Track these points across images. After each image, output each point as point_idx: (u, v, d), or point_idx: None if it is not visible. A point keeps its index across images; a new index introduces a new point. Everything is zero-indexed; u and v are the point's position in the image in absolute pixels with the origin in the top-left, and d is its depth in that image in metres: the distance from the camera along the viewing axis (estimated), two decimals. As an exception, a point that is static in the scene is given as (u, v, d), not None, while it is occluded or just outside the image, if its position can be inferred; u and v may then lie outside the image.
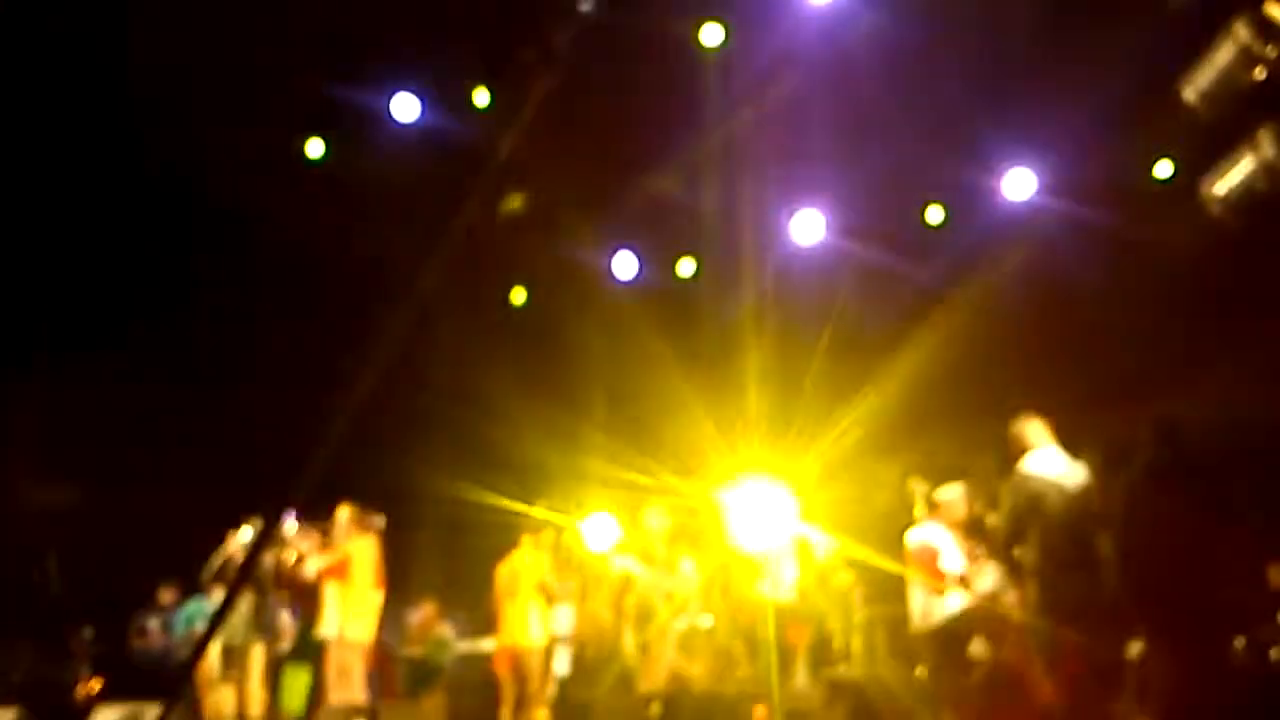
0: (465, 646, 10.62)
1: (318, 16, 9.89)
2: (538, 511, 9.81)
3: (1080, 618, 6.67)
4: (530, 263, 12.02)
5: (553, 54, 2.94)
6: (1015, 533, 7.16)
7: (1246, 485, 6.88)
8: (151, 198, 11.05)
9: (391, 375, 2.81)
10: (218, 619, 7.37)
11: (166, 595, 11.16)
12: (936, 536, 8.32)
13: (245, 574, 6.16)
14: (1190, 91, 7.94)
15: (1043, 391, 9.31)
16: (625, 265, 12.16)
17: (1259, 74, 7.63)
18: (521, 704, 8.90)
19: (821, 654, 9.38)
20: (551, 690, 9.37)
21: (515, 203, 10.67)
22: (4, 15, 9.04)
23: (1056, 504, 6.96)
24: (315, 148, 11.30)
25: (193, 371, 11.19)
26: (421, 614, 10.96)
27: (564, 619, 9.83)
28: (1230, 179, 8.08)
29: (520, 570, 9.38)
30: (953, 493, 8.47)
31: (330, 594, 8.92)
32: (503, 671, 9.19)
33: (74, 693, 9.67)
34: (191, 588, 10.74)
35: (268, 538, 6.05)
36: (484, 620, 9.97)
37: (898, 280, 11.41)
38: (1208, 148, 8.24)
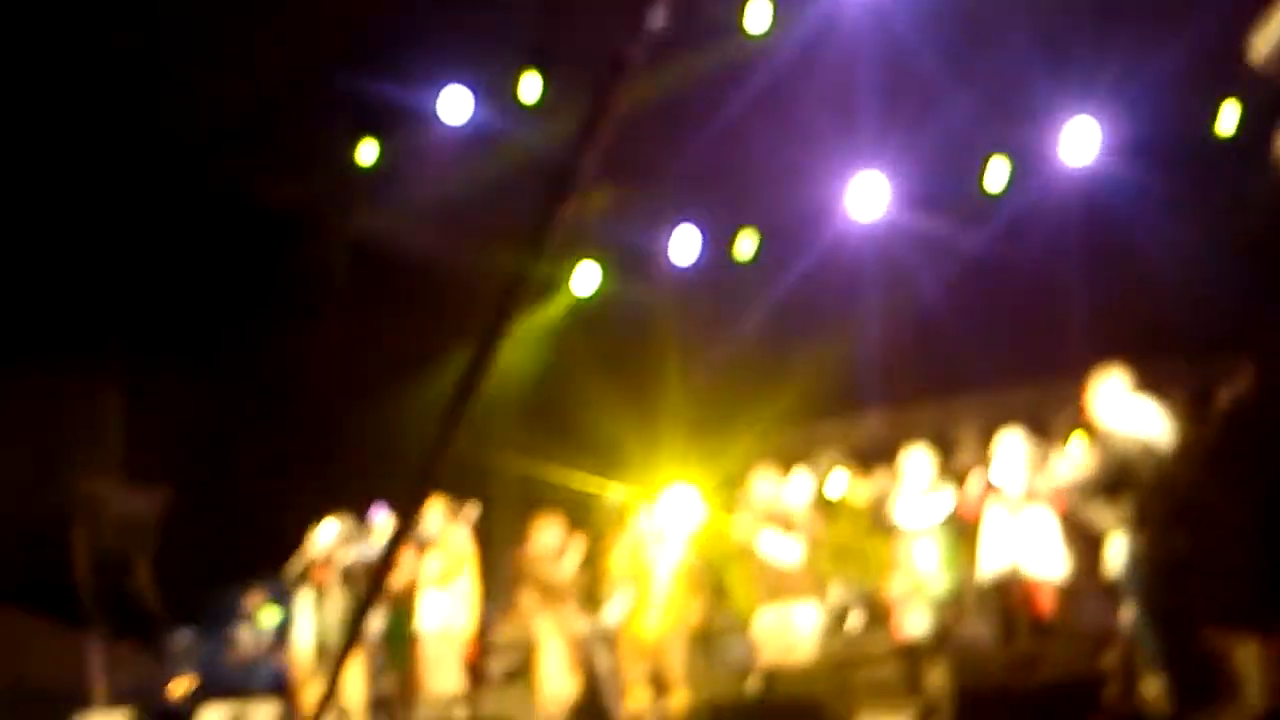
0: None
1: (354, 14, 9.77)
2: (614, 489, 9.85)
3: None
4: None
5: (626, 68, 2.98)
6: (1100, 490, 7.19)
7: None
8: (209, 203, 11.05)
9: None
10: (356, 626, 7.46)
11: (254, 601, 11.04)
12: None
13: (382, 574, 6.21)
14: (1258, 48, 7.92)
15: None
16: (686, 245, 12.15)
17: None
18: (663, 689, 8.67)
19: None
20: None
21: (598, 202, 10.55)
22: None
23: (1149, 464, 6.98)
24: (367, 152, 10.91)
25: (271, 374, 11.25)
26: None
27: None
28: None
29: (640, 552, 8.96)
30: None
31: (425, 586, 9.07)
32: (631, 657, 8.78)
33: (173, 694, 9.85)
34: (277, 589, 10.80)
35: (404, 534, 6.15)
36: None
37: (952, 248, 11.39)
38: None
